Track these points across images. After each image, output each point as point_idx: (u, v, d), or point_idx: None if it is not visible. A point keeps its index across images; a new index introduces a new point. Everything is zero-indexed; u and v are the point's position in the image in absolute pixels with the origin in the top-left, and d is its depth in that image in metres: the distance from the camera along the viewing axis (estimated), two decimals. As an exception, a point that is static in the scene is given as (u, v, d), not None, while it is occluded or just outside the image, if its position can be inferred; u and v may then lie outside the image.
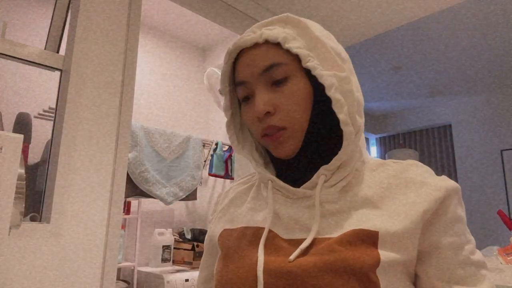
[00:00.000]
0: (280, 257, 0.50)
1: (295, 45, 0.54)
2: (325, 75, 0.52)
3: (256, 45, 0.56)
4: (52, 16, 1.55)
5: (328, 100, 0.54)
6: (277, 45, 0.55)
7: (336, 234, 0.50)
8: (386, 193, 0.53)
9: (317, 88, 0.55)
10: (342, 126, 0.52)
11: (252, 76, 0.55)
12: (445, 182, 0.52)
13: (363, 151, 0.61)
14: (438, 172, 4.86)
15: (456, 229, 0.50)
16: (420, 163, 0.56)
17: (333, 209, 0.53)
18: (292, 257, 0.48)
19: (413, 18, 2.24)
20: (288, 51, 0.54)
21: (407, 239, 0.49)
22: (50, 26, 1.54)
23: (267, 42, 0.55)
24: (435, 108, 4.93)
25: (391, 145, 5.45)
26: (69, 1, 1.53)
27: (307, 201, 0.55)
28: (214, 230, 0.65)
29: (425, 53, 3.48)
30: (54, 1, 1.56)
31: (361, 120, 0.55)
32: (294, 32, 0.55)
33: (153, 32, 2.95)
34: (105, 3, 1.50)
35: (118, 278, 2.37)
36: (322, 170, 0.54)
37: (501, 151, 4.28)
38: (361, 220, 0.50)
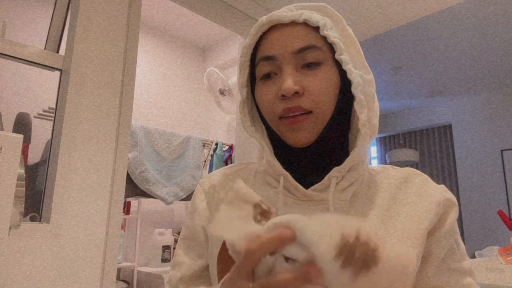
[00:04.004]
0: None
1: (333, 34, 0.52)
2: (354, 72, 0.51)
3: (292, 23, 0.53)
4: (52, 16, 1.55)
5: (348, 98, 0.54)
6: (314, 29, 0.53)
7: None
8: (393, 203, 0.54)
9: (343, 83, 0.54)
10: (361, 126, 0.51)
11: (283, 53, 0.52)
12: (446, 194, 0.54)
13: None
14: (439, 172, 4.87)
15: (448, 239, 0.53)
16: (419, 171, 0.58)
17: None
18: None
19: (413, 18, 2.24)
20: (324, 38, 0.52)
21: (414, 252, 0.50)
22: (50, 26, 1.54)
23: (304, 23, 0.53)
24: (435, 108, 4.93)
25: (391, 145, 5.45)
26: (69, 1, 1.53)
27: (318, 205, 0.52)
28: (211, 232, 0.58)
29: (425, 53, 3.48)
30: (54, 1, 1.56)
31: (377, 125, 0.55)
32: (330, 22, 0.54)
33: (153, 32, 2.95)
34: (105, 3, 1.50)
35: (118, 278, 2.37)
36: (334, 171, 0.52)
37: (501, 151, 4.28)
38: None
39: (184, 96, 3.08)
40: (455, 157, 4.69)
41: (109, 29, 1.50)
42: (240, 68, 0.57)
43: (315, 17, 0.52)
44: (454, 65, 3.72)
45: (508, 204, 4.15)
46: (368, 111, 0.52)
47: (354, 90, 0.51)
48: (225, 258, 0.53)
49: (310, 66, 0.51)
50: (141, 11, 1.62)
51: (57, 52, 1.50)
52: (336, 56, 0.52)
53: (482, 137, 4.46)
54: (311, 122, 0.51)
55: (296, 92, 0.50)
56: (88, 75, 1.42)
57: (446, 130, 4.89)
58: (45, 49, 1.50)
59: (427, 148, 5.05)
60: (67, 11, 1.55)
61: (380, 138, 5.59)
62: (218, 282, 0.52)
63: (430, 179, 0.57)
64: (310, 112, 0.51)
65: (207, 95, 3.17)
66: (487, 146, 4.39)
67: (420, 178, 0.56)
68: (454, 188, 4.69)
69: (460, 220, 4.57)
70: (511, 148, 4.22)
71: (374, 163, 5.58)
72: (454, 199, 0.55)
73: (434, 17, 2.86)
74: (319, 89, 0.51)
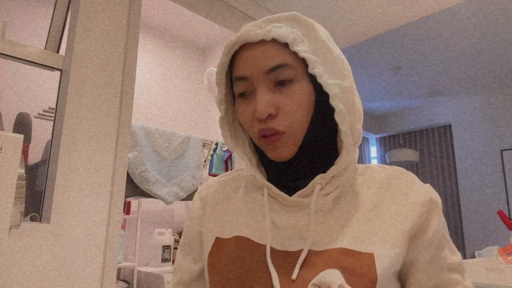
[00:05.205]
0: (281, 276, 0.50)
1: (303, 49, 0.51)
2: (330, 84, 0.50)
3: (261, 42, 0.52)
4: (52, 16, 1.55)
5: (329, 108, 0.54)
6: (284, 45, 0.52)
7: (331, 246, 0.50)
8: (379, 202, 0.54)
9: (320, 94, 0.53)
10: (343, 137, 0.52)
11: (255, 74, 0.52)
12: (430, 194, 0.53)
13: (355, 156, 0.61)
14: (439, 172, 4.87)
15: (434, 243, 0.52)
16: (406, 170, 0.57)
17: (329, 217, 0.53)
18: (294, 276, 0.49)
19: (413, 18, 2.24)
20: (295, 53, 0.52)
21: (398, 252, 0.50)
22: (50, 26, 1.54)
23: (273, 40, 0.52)
24: (435, 108, 4.93)
25: (391, 145, 5.45)
26: (69, 1, 1.53)
27: (303, 209, 0.54)
28: (205, 234, 0.61)
29: (425, 53, 3.48)
30: (54, 1, 1.56)
31: (360, 130, 0.55)
32: (301, 33, 0.53)
33: (153, 32, 2.95)
34: (105, 3, 1.50)
35: (118, 278, 2.37)
36: (319, 179, 0.53)
37: (501, 151, 4.28)
38: (356, 239, 0.50)
39: (184, 96, 3.08)
40: (455, 157, 4.69)
41: (109, 29, 1.50)
42: (217, 85, 0.59)
43: (284, 33, 0.51)
44: (454, 65, 3.72)
45: (508, 204, 4.15)
46: (350, 118, 0.52)
47: (333, 102, 0.51)
48: (217, 253, 0.57)
49: (282, 84, 0.52)
50: (141, 11, 1.62)
51: (57, 52, 1.50)
52: (309, 71, 0.51)
53: (482, 137, 4.46)
54: (285, 142, 0.52)
55: (270, 114, 0.51)
56: (88, 75, 1.42)
57: (446, 130, 4.89)
58: (45, 49, 1.50)
59: (427, 148, 5.05)
60: (67, 11, 1.55)
61: (380, 138, 5.59)
62: (209, 274, 0.57)
63: (416, 179, 0.56)
64: (283, 132, 0.52)
65: (207, 95, 3.17)
66: (487, 146, 4.39)
67: (406, 177, 0.56)
68: (454, 188, 4.69)
69: (460, 220, 4.57)
70: (511, 148, 4.22)
71: (374, 163, 5.58)
72: (437, 199, 0.54)
73: (434, 17, 2.86)
74: (293, 110, 0.51)
